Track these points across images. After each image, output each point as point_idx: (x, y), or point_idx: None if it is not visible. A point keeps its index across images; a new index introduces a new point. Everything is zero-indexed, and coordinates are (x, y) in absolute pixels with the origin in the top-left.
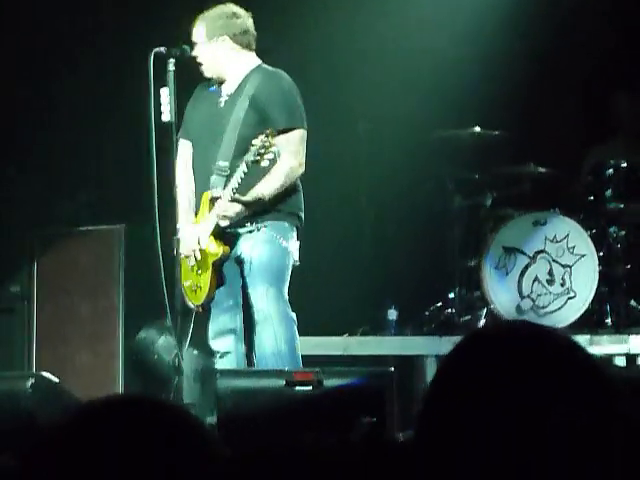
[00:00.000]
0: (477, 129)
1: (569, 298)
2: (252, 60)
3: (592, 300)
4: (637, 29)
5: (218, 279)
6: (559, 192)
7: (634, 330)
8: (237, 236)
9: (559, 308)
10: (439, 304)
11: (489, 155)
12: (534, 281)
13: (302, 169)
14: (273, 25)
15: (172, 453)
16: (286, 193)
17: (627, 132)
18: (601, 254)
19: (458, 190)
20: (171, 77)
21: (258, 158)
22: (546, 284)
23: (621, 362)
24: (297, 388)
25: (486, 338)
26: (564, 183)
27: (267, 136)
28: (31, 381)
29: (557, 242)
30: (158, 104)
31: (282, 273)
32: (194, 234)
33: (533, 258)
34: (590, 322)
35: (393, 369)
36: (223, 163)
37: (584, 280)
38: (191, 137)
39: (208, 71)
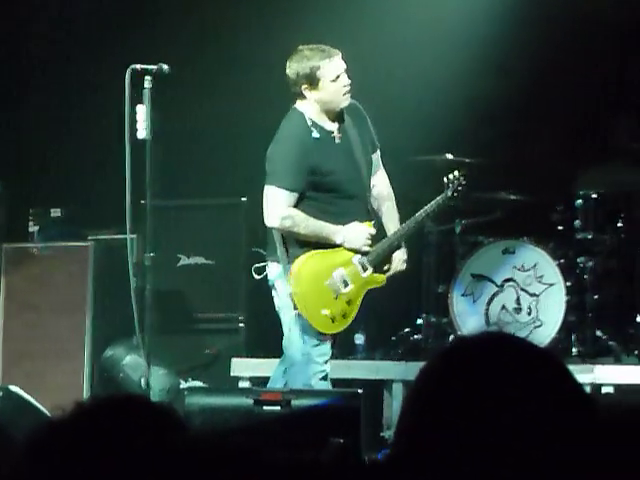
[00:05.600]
0: (449, 156)
1: (536, 327)
2: None
3: (559, 329)
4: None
5: None
6: (530, 220)
7: (600, 360)
8: None
9: (526, 337)
10: (407, 329)
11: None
12: (501, 309)
13: None
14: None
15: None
16: None
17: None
18: (569, 284)
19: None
20: (147, 94)
21: (456, 195)
22: (513, 312)
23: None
24: (265, 407)
25: (466, 348)
26: (535, 211)
27: (460, 176)
28: None
29: (525, 271)
30: (134, 121)
31: None
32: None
33: (501, 286)
34: (556, 351)
35: (361, 391)
36: (369, 195)
37: (551, 309)
38: (325, 182)
39: (349, 97)
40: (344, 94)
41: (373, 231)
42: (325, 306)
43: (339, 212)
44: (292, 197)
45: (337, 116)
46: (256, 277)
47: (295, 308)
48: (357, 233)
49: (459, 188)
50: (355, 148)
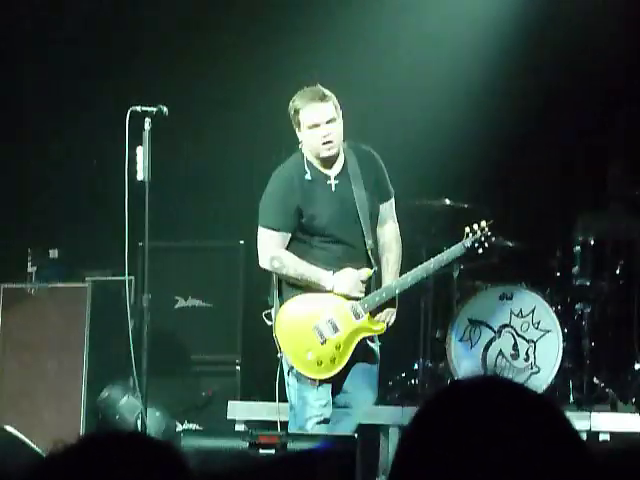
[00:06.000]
0: (447, 201)
1: (532, 373)
2: None
3: (555, 376)
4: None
5: None
6: (527, 266)
7: (596, 407)
8: None
9: (523, 383)
10: (403, 374)
11: (459, 227)
12: (498, 355)
13: None
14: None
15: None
16: None
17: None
18: (566, 330)
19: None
20: (147, 136)
21: (477, 246)
22: (510, 358)
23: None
24: (261, 450)
25: (460, 388)
26: (533, 257)
27: (486, 227)
28: None
29: (522, 317)
30: (134, 162)
31: None
32: (357, 308)
33: (498, 332)
34: (552, 398)
35: (357, 435)
36: (370, 242)
37: (548, 356)
38: (311, 225)
39: (334, 149)
40: (324, 144)
41: (366, 278)
42: (311, 350)
43: (330, 257)
44: (280, 236)
45: (337, 160)
46: (268, 323)
47: (279, 351)
48: (348, 279)
49: (485, 244)
50: (356, 195)
